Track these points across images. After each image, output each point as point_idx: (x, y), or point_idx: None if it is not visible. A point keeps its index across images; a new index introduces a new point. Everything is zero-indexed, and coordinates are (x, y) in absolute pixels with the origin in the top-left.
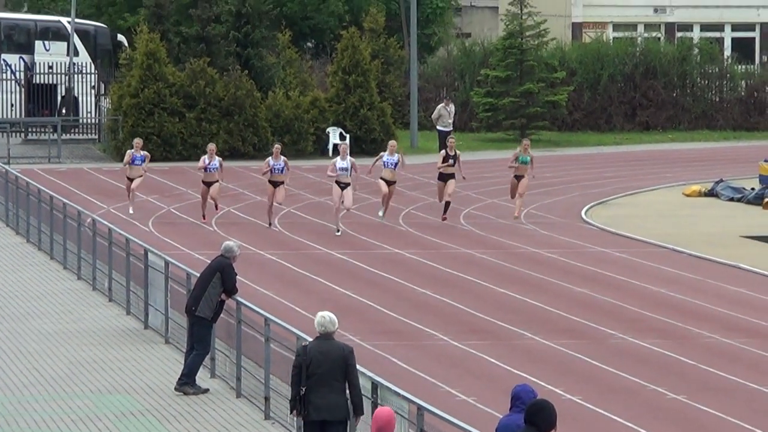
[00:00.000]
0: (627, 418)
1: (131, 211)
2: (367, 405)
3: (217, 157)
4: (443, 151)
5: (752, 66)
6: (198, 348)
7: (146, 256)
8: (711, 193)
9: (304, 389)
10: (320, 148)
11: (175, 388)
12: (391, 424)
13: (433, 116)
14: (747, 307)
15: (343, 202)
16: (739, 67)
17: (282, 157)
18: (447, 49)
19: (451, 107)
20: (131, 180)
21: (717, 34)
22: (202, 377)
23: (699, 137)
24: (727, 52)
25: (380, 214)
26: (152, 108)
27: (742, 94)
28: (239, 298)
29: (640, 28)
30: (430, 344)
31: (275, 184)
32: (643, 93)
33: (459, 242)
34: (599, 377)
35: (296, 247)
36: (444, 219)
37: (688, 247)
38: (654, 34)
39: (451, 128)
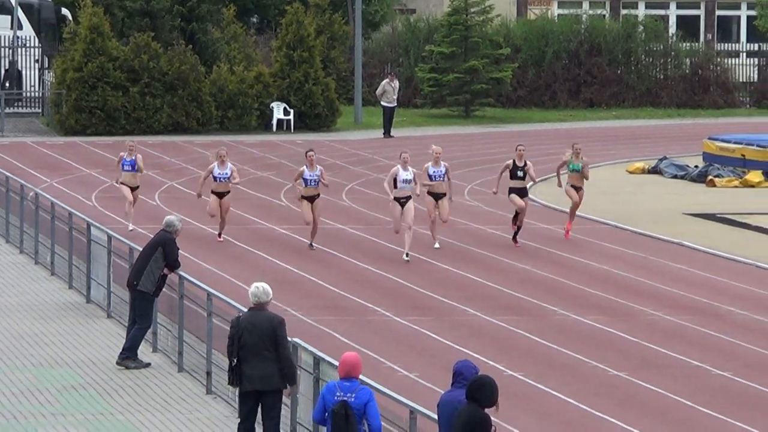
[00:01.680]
0: (567, 394)
1: (130, 228)
2: (309, 379)
3: (230, 164)
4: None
5: (697, 44)
6: (140, 322)
7: (89, 230)
8: (654, 171)
9: (236, 360)
10: (264, 123)
11: (117, 362)
12: (357, 365)
13: (377, 92)
14: (689, 285)
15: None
16: (684, 44)
17: (317, 167)
18: (391, 25)
19: (396, 83)
20: (129, 187)
21: (662, 12)
22: (143, 351)
23: (643, 114)
24: (672, 29)
25: (436, 245)
26: (96, 82)
27: (687, 71)
28: (182, 273)
29: (585, 6)
30: (373, 320)
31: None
32: (587, 70)
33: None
34: (541, 353)
35: (240, 222)
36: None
37: (631, 224)
38: (599, 11)
39: (395, 104)
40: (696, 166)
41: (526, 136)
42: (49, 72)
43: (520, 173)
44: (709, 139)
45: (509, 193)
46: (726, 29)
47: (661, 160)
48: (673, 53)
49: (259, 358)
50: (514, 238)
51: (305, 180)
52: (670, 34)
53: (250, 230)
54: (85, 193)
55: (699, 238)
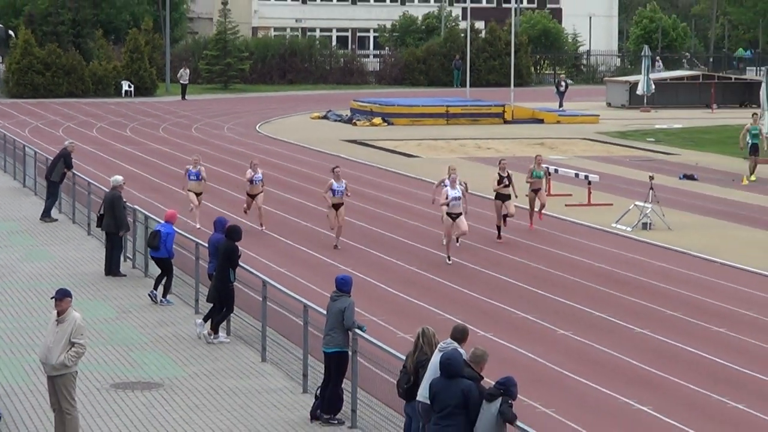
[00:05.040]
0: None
1: (198, 226)
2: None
3: (260, 171)
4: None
5: (347, 50)
6: (50, 198)
7: (24, 149)
8: (325, 117)
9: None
10: (118, 93)
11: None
12: (173, 215)
13: (178, 75)
14: (364, 184)
15: (458, 229)
16: (341, 50)
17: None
18: (187, 41)
19: (187, 70)
20: (194, 193)
21: (328, 34)
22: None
23: (318, 88)
24: (335, 41)
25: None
26: (27, 70)
27: (341, 65)
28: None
29: (289, 30)
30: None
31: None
32: (290, 64)
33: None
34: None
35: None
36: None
37: (312, 145)
38: (296, 33)
39: (188, 82)
40: (347, 115)
41: (258, 100)
42: (2, 65)
43: (505, 181)
44: (354, 100)
45: (495, 199)
46: (363, 42)
47: (328, 111)
48: (333, 55)
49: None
50: (499, 235)
51: (333, 191)
52: (333, 45)
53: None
54: (23, 129)
55: (350, 152)
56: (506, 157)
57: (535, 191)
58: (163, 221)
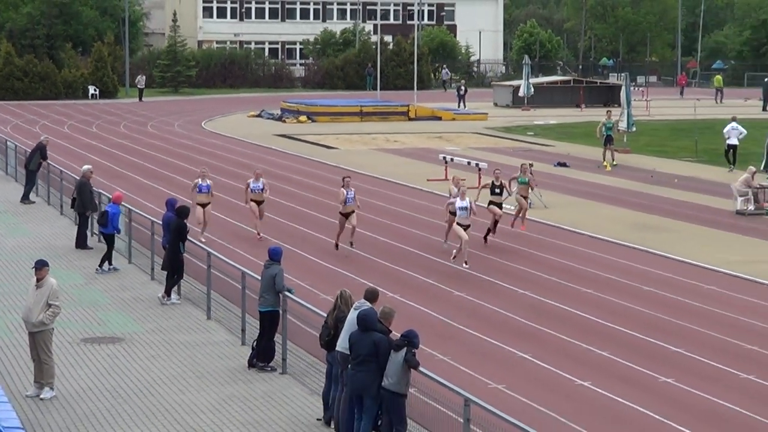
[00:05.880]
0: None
1: (203, 240)
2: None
3: (262, 179)
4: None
5: (277, 59)
6: (28, 183)
7: (6, 144)
8: (259, 116)
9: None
10: (86, 95)
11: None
12: (119, 196)
13: (136, 81)
14: (293, 171)
15: (460, 237)
16: (271, 60)
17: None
18: (143, 52)
19: (143, 77)
20: (201, 205)
21: (263, 46)
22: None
23: (253, 91)
24: (267, 53)
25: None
26: (9, 77)
27: (272, 72)
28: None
29: (228, 43)
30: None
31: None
32: (230, 71)
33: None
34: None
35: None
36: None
37: (249, 139)
38: (235, 45)
39: (144, 86)
40: (278, 114)
41: (202, 102)
42: None
43: (497, 190)
44: (283, 101)
45: (488, 204)
46: (291, 53)
47: (262, 111)
48: (266, 63)
49: None
50: (485, 237)
51: (346, 200)
52: (266, 55)
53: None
54: (5, 126)
55: (282, 145)
56: (500, 168)
57: (524, 197)
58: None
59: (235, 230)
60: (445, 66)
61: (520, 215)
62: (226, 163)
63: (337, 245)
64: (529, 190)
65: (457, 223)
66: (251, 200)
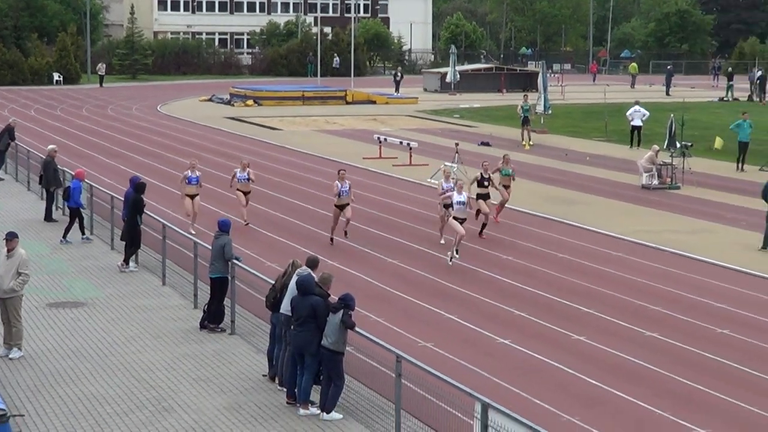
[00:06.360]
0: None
1: (193, 231)
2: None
3: (248, 169)
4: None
5: (226, 49)
6: None
7: None
8: (210, 100)
9: None
10: (51, 82)
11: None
12: (82, 173)
13: (97, 68)
14: (241, 150)
15: (456, 232)
16: (220, 49)
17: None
18: (103, 41)
19: (104, 65)
20: (189, 197)
21: (225, 36)
22: None
23: (204, 78)
24: (217, 42)
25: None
26: None
27: (222, 60)
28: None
29: (182, 33)
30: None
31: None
32: (183, 59)
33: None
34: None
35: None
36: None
37: (200, 121)
38: (188, 36)
39: (104, 73)
40: (227, 98)
41: (160, 87)
42: None
43: (486, 183)
44: (232, 87)
45: (476, 198)
46: (239, 43)
47: (213, 95)
48: (216, 53)
49: None
50: (480, 233)
51: (340, 192)
52: (216, 45)
53: None
54: None
55: (228, 127)
56: (488, 161)
57: (506, 187)
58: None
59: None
60: (399, 68)
61: (502, 205)
62: (179, 143)
63: (331, 239)
64: (512, 181)
65: (454, 217)
66: (237, 190)
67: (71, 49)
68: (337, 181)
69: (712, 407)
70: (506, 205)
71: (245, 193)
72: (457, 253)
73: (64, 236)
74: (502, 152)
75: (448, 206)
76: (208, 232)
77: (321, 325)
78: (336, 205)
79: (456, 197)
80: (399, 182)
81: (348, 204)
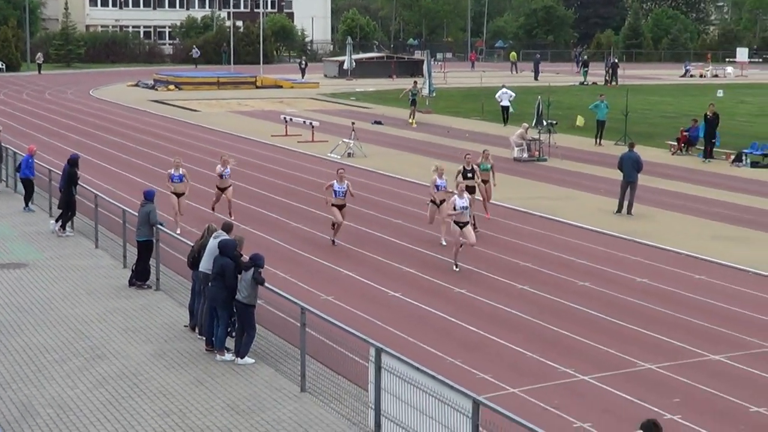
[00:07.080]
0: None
1: (178, 231)
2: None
3: (228, 166)
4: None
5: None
6: None
7: None
8: (137, 85)
9: None
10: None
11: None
12: (32, 150)
13: (36, 57)
14: (164, 129)
15: (466, 239)
16: (149, 41)
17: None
18: (41, 34)
19: (41, 54)
20: (176, 195)
21: (147, 29)
22: None
23: (131, 66)
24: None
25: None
26: None
27: (147, 49)
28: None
29: (111, 26)
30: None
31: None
32: (112, 49)
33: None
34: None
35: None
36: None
37: (128, 104)
38: (116, 29)
39: (42, 62)
40: (151, 83)
41: (91, 74)
42: None
43: (469, 174)
44: (156, 74)
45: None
46: (162, 35)
47: (139, 81)
48: (141, 44)
49: None
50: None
51: (335, 191)
52: (141, 36)
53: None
54: None
55: (153, 109)
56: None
57: (484, 182)
58: (26, 154)
59: (203, 216)
60: (304, 57)
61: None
62: (111, 123)
63: (333, 241)
64: (491, 176)
65: (455, 222)
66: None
67: (12, 40)
68: (335, 180)
69: (575, 350)
70: (392, 175)
71: (222, 190)
72: (456, 267)
73: (26, 205)
74: (391, 129)
75: (434, 202)
76: (195, 231)
77: (228, 283)
78: (334, 205)
79: (458, 202)
80: (303, 156)
81: (344, 205)
